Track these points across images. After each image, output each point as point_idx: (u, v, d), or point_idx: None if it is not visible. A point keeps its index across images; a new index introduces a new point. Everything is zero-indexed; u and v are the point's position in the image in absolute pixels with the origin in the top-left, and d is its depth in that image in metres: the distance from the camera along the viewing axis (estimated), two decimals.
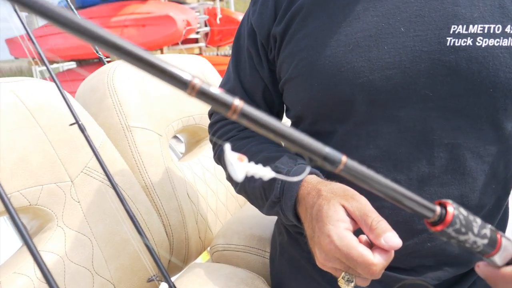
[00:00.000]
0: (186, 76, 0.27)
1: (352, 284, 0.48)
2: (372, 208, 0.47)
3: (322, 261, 0.48)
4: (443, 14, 0.53)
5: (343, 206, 0.48)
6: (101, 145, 0.75)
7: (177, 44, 4.73)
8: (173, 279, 0.80)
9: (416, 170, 0.56)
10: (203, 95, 0.28)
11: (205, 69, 1.13)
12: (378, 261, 0.44)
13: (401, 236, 0.59)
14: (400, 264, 0.61)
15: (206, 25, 5.43)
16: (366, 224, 0.45)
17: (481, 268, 0.40)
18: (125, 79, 0.88)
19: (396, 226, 0.58)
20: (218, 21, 5.30)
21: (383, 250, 0.45)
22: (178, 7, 4.56)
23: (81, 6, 5.50)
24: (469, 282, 0.64)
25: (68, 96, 0.71)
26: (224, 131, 0.74)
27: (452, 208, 0.35)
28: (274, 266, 0.78)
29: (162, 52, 4.76)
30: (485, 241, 0.36)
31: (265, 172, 0.32)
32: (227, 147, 0.32)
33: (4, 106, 0.65)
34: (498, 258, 0.38)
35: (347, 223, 0.47)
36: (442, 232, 0.35)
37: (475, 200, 0.58)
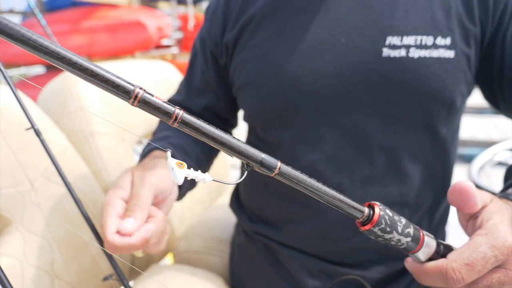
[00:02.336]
0: (129, 85, 0.30)
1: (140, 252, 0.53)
2: (148, 192, 0.52)
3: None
4: (380, 26, 0.58)
5: (132, 176, 0.54)
6: (62, 150, 0.76)
7: (149, 50, 4.71)
8: (135, 281, 0.81)
9: (359, 172, 0.61)
10: (145, 104, 0.31)
11: (171, 76, 1.15)
12: (111, 238, 0.48)
13: (347, 234, 0.63)
14: (346, 259, 0.65)
15: (179, 31, 5.42)
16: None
17: (408, 263, 0.45)
18: (89, 84, 0.89)
19: (344, 225, 0.63)
20: (191, 27, 5.31)
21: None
22: (150, 13, 4.54)
23: (50, 9, 5.40)
24: (411, 275, 0.69)
25: (27, 100, 0.72)
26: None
27: (378, 209, 0.39)
28: (233, 266, 0.81)
29: (134, 58, 4.72)
30: (409, 239, 0.40)
31: (204, 176, 0.35)
32: (169, 154, 0.35)
33: None
34: (421, 255, 0.42)
35: (125, 191, 0.52)
36: (369, 231, 0.39)
37: (413, 199, 0.63)
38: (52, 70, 4.92)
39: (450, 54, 0.57)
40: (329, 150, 0.61)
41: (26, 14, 5.49)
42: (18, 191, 0.70)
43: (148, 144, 0.67)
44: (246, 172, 0.36)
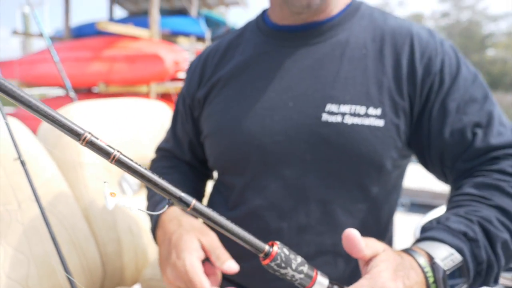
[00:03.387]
0: (80, 130, 0.40)
1: None
2: (219, 243, 0.63)
3: (171, 279, 0.62)
4: (322, 95, 0.68)
5: (198, 240, 0.63)
6: (50, 176, 0.86)
7: (164, 81, 4.90)
8: None
9: (296, 220, 0.69)
10: (91, 145, 0.41)
11: (163, 115, 1.26)
12: None
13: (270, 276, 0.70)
14: None
15: None
16: (214, 254, 0.61)
17: None
18: (85, 120, 1.01)
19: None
20: None
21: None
22: (168, 47, 4.77)
23: (76, 35, 5.72)
24: None
25: (26, 131, 0.83)
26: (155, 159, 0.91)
27: (277, 248, 0.48)
28: None
29: (149, 88, 4.92)
30: (302, 275, 0.48)
31: (130, 205, 0.45)
32: (106, 185, 0.44)
33: None
34: None
35: (200, 252, 0.61)
36: (268, 266, 0.48)
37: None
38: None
39: (380, 123, 0.66)
40: (272, 198, 0.70)
41: (53, 39, 5.81)
42: (6, 209, 0.80)
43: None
44: (166, 206, 0.45)
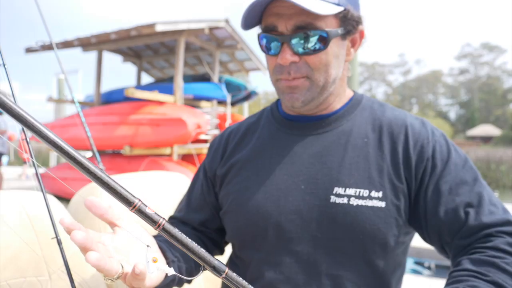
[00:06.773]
0: (132, 198, 0.46)
1: None
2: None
3: None
4: (330, 178, 0.75)
5: None
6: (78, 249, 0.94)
7: (187, 143, 5.08)
8: None
9: None
10: (140, 212, 0.47)
11: (183, 186, 1.35)
12: None
13: None
14: None
15: (216, 128, 5.85)
16: None
17: None
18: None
19: None
20: (228, 125, 5.74)
21: None
22: (191, 111, 5.00)
23: (105, 101, 6.07)
24: None
25: (61, 209, 0.93)
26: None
27: None
28: None
29: (172, 150, 5.09)
30: None
31: (169, 270, 0.51)
32: (149, 249, 0.51)
33: (9, 214, 0.87)
34: None
35: None
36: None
37: None
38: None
39: (382, 204, 0.72)
40: (286, 273, 0.76)
41: (84, 104, 6.19)
42: (38, 280, 0.88)
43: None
44: (201, 272, 0.51)
